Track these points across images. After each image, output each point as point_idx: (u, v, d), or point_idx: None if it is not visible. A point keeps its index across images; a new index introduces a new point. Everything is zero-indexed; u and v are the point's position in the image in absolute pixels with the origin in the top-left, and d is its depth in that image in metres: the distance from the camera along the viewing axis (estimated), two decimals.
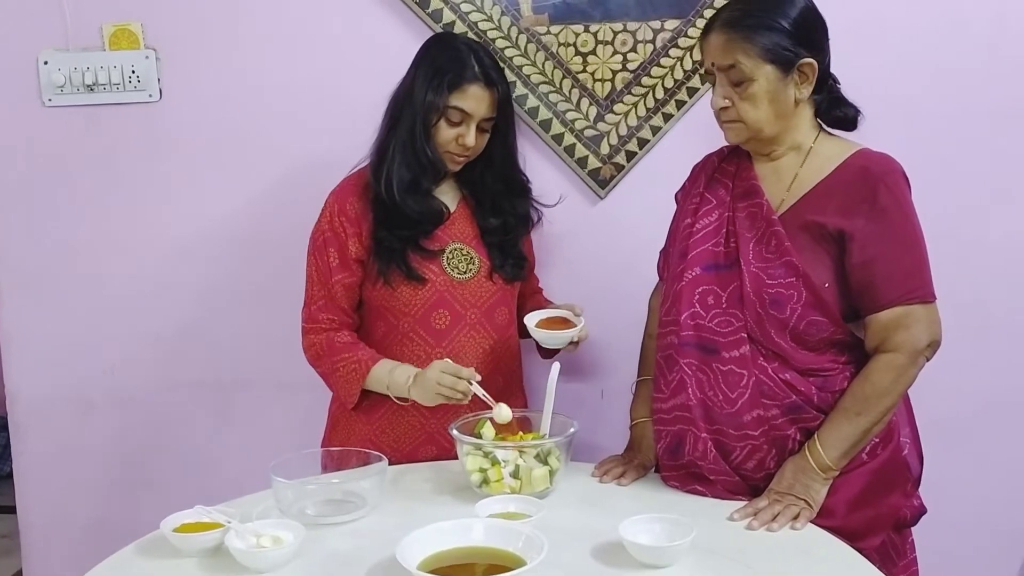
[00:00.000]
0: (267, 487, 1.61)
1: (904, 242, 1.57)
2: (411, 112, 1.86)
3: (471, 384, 1.74)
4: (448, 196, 1.97)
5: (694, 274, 1.66)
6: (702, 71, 1.68)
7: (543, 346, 1.96)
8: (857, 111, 1.68)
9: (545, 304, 2.05)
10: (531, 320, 1.88)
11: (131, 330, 2.36)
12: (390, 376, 1.83)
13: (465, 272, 1.91)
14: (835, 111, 1.66)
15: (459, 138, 1.86)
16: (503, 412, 1.74)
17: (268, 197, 2.30)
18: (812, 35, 1.60)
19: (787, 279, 1.58)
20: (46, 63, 2.23)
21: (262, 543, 1.43)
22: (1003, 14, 2.15)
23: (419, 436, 1.92)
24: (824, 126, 1.69)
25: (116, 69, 2.23)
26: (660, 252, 1.89)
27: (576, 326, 1.87)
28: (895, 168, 1.60)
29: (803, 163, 1.64)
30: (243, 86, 2.25)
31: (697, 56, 2.17)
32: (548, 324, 1.89)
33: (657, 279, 1.92)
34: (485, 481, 1.64)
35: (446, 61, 1.86)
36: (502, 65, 1.97)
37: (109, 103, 2.26)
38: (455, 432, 1.69)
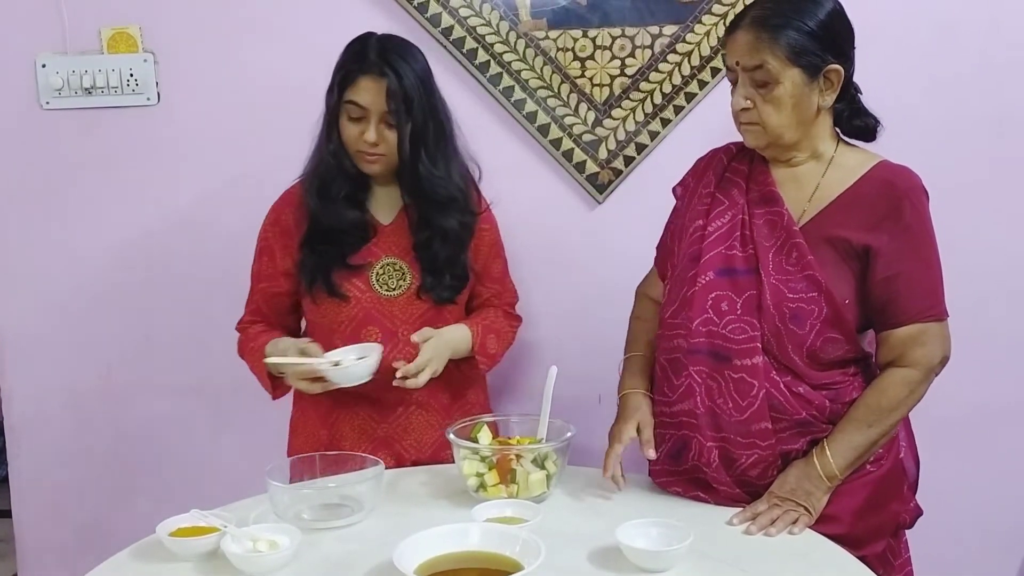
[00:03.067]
0: (263, 491, 1.60)
1: (925, 260, 1.57)
2: (324, 117, 1.83)
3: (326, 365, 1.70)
4: (385, 208, 1.89)
5: (707, 279, 1.61)
6: (724, 69, 1.64)
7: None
8: (877, 122, 1.65)
9: (485, 319, 1.94)
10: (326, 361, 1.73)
11: (127, 333, 2.36)
12: (269, 358, 1.79)
13: (394, 289, 1.84)
14: (855, 121, 1.63)
15: (362, 134, 1.78)
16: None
17: (264, 200, 2.28)
18: (840, 41, 1.56)
19: (809, 293, 1.55)
20: (44, 66, 2.23)
21: (258, 547, 1.43)
22: (997, 21, 2.16)
23: (373, 440, 1.88)
24: (842, 135, 1.66)
25: (114, 72, 2.23)
26: (656, 247, 1.86)
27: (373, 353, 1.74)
28: (918, 184, 1.59)
29: (824, 173, 1.61)
30: (241, 90, 2.26)
31: (695, 62, 2.18)
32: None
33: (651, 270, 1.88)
34: (482, 486, 1.64)
35: (346, 58, 1.80)
36: (406, 57, 1.80)
37: (107, 106, 2.26)
38: (452, 436, 1.68)
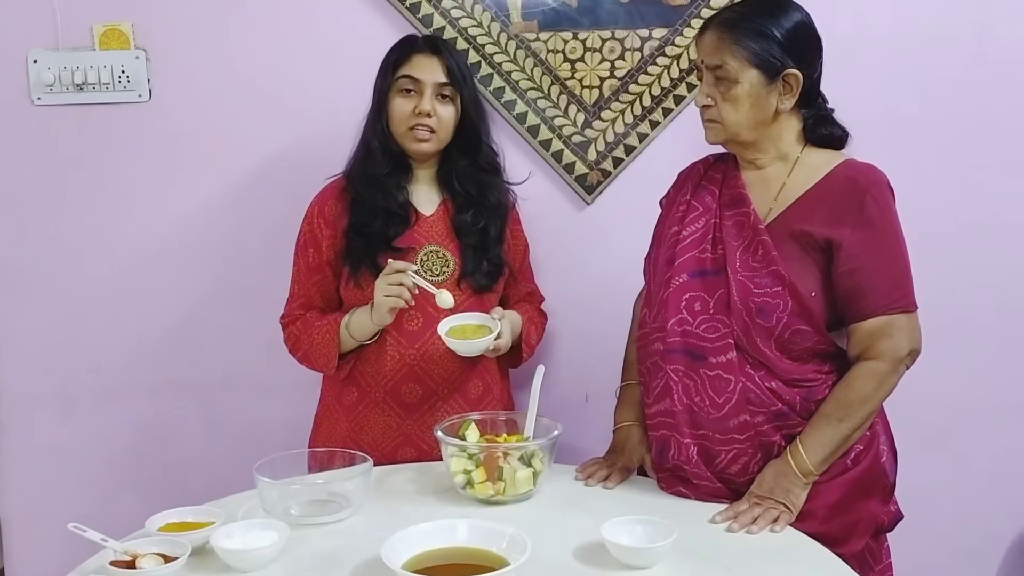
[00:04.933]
0: (252, 487, 1.62)
1: (889, 253, 1.60)
2: (372, 108, 1.92)
3: (413, 277, 1.78)
4: (425, 202, 1.96)
5: (681, 280, 1.67)
6: (692, 66, 1.70)
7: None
8: (845, 132, 1.69)
9: (527, 312, 2.04)
10: (443, 326, 1.82)
11: (117, 329, 2.36)
12: (350, 318, 1.87)
13: (439, 275, 1.90)
14: (821, 129, 1.67)
15: (416, 108, 1.87)
16: (445, 298, 1.79)
17: (256, 198, 2.31)
18: (802, 48, 1.61)
19: (773, 288, 1.59)
20: (36, 62, 2.23)
21: (247, 543, 1.44)
22: (986, 26, 2.19)
23: (397, 437, 1.92)
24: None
25: (106, 69, 2.23)
26: (645, 259, 1.90)
27: (492, 331, 1.82)
28: (881, 179, 1.63)
29: (790, 173, 1.66)
30: (232, 87, 2.26)
31: (684, 65, 2.20)
32: (465, 330, 1.84)
33: (642, 285, 1.92)
34: (469, 483, 1.65)
35: (396, 46, 1.93)
36: (489, 69, 1.98)
37: (99, 103, 2.26)
38: (439, 434, 1.70)
